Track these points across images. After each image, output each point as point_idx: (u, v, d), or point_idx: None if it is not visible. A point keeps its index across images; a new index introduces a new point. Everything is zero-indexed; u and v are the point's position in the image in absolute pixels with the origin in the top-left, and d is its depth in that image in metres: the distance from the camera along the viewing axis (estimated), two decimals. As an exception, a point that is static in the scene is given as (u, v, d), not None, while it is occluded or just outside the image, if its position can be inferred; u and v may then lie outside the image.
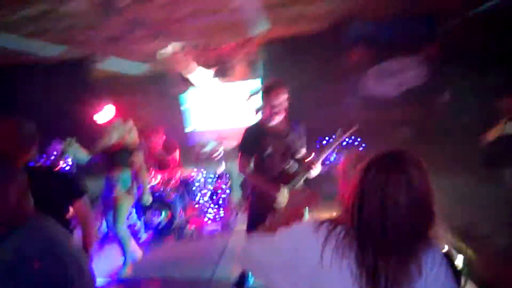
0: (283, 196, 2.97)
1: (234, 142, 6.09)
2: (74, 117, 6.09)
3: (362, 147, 5.97)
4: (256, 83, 7.32)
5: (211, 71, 7.73)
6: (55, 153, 6.17)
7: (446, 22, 6.99)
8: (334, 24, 7.15)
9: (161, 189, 5.09)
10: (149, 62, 9.41)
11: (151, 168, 5.71)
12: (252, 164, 3.20)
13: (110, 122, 4.10)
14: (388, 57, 6.90)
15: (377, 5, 6.63)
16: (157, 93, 11.07)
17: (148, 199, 4.27)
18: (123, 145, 4.06)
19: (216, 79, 7.74)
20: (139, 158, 4.16)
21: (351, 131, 2.97)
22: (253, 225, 3.12)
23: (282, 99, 2.99)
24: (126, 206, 4.05)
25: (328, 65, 7.26)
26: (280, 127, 3.11)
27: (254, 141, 3.09)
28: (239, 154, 3.19)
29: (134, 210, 5.03)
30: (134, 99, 12.10)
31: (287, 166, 3.14)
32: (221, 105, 12.44)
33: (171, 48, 7.31)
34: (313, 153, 3.10)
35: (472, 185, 4.70)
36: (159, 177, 5.38)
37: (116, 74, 9.56)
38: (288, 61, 7.39)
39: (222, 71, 7.76)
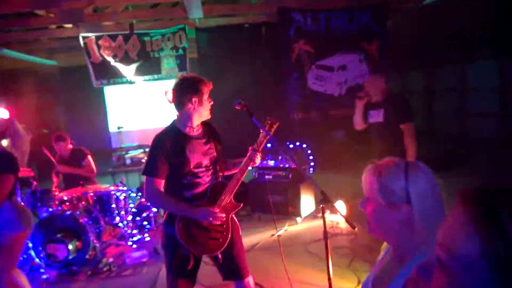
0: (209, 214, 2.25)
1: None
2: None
3: (307, 150, 5.36)
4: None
5: (133, 67, 6.65)
6: None
7: (394, 14, 6.64)
8: (270, 14, 6.57)
9: (68, 212, 4.01)
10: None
11: (55, 186, 4.61)
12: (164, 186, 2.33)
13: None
14: (330, 52, 6.40)
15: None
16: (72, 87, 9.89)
17: None
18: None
19: (139, 76, 6.66)
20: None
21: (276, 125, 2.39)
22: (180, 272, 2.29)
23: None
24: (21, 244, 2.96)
25: (264, 59, 6.66)
26: (200, 130, 2.41)
27: (175, 152, 2.27)
28: (147, 177, 2.27)
29: (30, 245, 3.90)
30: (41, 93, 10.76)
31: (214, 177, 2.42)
32: (144, 104, 11.56)
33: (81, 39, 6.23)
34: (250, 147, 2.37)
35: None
36: (65, 196, 4.29)
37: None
38: (220, 55, 6.67)
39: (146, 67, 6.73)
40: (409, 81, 12.16)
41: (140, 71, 6.72)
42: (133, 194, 4.88)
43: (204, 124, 2.42)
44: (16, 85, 10.24)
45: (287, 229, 4.70)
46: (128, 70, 6.67)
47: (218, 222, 2.25)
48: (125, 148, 7.17)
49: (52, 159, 4.72)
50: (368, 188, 1.15)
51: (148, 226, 4.69)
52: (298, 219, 4.94)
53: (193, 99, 2.27)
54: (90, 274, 3.82)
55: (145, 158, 4.98)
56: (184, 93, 2.29)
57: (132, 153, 5.43)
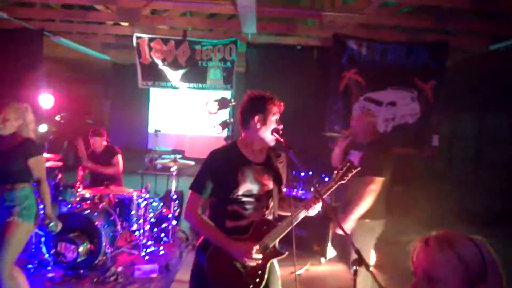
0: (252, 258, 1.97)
1: (191, 162, 5.04)
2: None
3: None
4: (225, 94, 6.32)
5: (180, 72, 6.63)
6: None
7: (456, 54, 6.24)
8: (325, 39, 6.37)
9: (86, 211, 3.93)
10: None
11: (79, 180, 4.57)
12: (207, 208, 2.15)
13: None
14: (381, 85, 6.07)
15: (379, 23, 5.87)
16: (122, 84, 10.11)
17: (55, 225, 3.08)
18: (25, 141, 2.94)
19: (184, 82, 6.62)
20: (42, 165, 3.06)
21: (354, 171, 2.10)
22: None
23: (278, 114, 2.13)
24: (23, 237, 2.89)
25: (311, 84, 6.45)
26: (263, 154, 2.17)
27: (226, 173, 2.06)
28: (192, 192, 2.09)
29: (43, 239, 3.84)
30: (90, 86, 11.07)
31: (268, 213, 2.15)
32: (185, 111, 11.64)
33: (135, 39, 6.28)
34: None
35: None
36: (87, 193, 4.22)
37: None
38: (268, 73, 6.53)
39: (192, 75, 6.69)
40: (460, 126, 11.47)
41: (186, 78, 6.68)
42: (155, 203, 4.74)
43: (271, 151, 2.19)
44: (69, 74, 10.61)
45: (309, 268, 4.39)
46: (174, 75, 6.65)
47: (253, 264, 1.97)
48: (159, 152, 7.14)
49: (83, 152, 4.70)
50: (433, 266, 0.98)
51: (165, 239, 4.53)
52: (322, 259, 4.62)
53: (256, 118, 2.06)
54: (96, 281, 3.68)
55: (175, 167, 4.88)
56: (249, 110, 2.09)
57: (165, 159, 5.34)
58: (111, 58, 9.23)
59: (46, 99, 5.50)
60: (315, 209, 2.07)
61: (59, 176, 4.32)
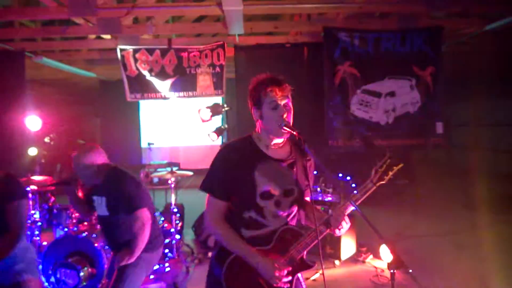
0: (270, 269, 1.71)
1: (189, 172, 4.82)
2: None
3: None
4: (217, 100, 6.12)
5: (168, 82, 6.41)
6: None
7: (451, 38, 6.10)
8: (314, 34, 6.20)
9: (84, 234, 3.68)
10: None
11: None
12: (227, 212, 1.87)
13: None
14: (378, 76, 5.90)
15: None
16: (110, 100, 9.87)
17: None
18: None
19: (174, 92, 6.40)
20: None
21: (396, 168, 1.78)
22: None
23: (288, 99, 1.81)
24: None
25: (305, 81, 6.27)
26: (284, 150, 1.87)
27: (241, 171, 1.78)
28: (208, 194, 1.84)
29: (40, 267, 3.58)
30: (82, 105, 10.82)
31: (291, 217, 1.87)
32: (178, 121, 11.42)
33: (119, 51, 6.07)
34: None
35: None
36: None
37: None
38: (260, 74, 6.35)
39: (181, 83, 6.46)
40: (459, 112, 11.37)
41: (175, 87, 6.46)
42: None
43: (296, 146, 1.87)
44: (56, 96, 10.38)
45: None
46: (163, 85, 6.44)
47: (281, 286, 1.72)
48: (154, 165, 6.90)
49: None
50: None
51: (169, 254, 4.28)
52: (337, 262, 4.39)
53: (253, 110, 1.82)
54: (100, 307, 3.43)
55: (173, 179, 4.65)
56: (249, 101, 1.85)
57: (160, 172, 5.12)
58: (97, 75, 9.02)
59: (33, 122, 5.28)
60: (343, 229, 1.76)
61: (52, 199, 4.08)
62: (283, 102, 1.77)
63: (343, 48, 6.00)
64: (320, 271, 4.14)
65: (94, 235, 3.71)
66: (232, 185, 1.78)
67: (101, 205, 2.79)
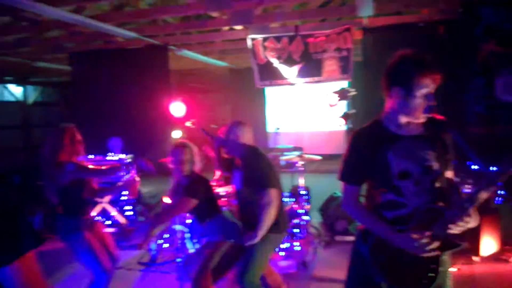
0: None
1: (317, 156, 4.90)
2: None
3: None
4: (343, 85, 6.04)
5: (295, 68, 6.55)
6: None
7: None
8: (451, 11, 5.68)
9: (223, 207, 4.05)
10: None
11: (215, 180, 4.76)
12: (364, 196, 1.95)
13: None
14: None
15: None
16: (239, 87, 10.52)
17: None
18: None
19: (300, 78, 6.51)
20: None
21: None
22: None
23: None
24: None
25: (440, 63, 5.79)
26: (418, 126, 1.82)
27: (373, 154, 1.80)
28: (343, 183, 1.92)
29: (187, 235, 4.05)
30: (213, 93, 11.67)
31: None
32: (304, 107, 11.57)
33: (249, 41, 6.40)
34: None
35: None
36: (221, 192, 4.37)
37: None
38: (388, 58, 6.06)
39: (307, 69, 6.55)
40: None
41: (301, 73, 6.59)
42: (285, 199, 4.71)
43: (429, 119, 1.81)
44: (191, 84, 11.38)
45: (460, 268, 3.90)
46: (290, 72, 6.61)
47: (426, 255, 1.69)
48: (280, 149, 7.16)
49: (213, 155, 4.88)
50: None
51: (299, 235, 4.46)
52: (476, 258, 4.07)
53: (396, 90, 1.77)
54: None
55: (302, 162, 4.80)
56: (390, 77, 1.80)
57: (288, 155, 5.31)
58: (228, 64, 9.62)
59: (177, 108, 5.90)
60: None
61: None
62: (432, 90, 1.74)
63: (486, 26, 5.40)
64: (458, 266, 3.90)
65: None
66: (367, 170, 1.82)
67: (237, 179, 3.05)
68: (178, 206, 3.01)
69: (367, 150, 1.81)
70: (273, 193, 2.84)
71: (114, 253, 3.18)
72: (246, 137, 3.03)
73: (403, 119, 1.80)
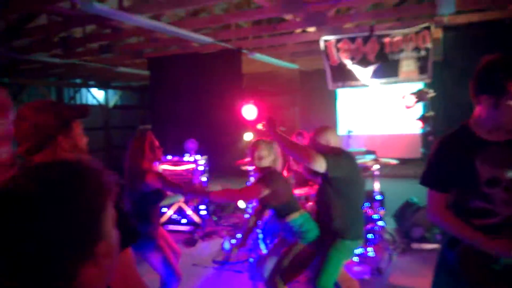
0: None
1: (393, 160, 4.73)
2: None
3: None
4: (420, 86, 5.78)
5: (370, 69, 6.39)
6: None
7: None
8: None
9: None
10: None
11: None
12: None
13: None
14: None
15: None
16: (309, 89, 10.48)
17: None
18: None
19: (375, 79, 6.34)
20: None
21: None
22: None
23: None
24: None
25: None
26: (509, 137, 1.72)
27: (460, 161, 1.73)
28: (429, 189, 1.85)
29: (261, 236, 4.11)
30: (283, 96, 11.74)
31: None
32: (377, 108, 11.19)
33: (322, 42, 6.34)
34: None
35: None
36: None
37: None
38: (469, 57, 5.67)
39: (383, 70, 6.35)
40: None
41: (376, 74, 6.40)
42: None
43: None
44: (262, 87, 11.52)
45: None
46: (364, 73, 6.45)
47: None
48: (353, 153, 7.00)
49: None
50: None
51: (373, 240, 4.34)
52: None
53: (484, 98, 1.67)
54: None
55: (377, 166, 4.66)
56: (478, 84, 1.70)
57: (361, 159, 5.17)
58: (299, 67, 9.62)
59: (250, 111, 6.01)
60: None
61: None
62: None
63: None
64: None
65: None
66: (452, 177, 1.75)
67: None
68: (249, 188, 3.03)
69: (455, 155, 1.75)
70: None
71: (178, 253, 3.28)
72: (333, 141, 2.99)
73: (492, 126, 1.71)
